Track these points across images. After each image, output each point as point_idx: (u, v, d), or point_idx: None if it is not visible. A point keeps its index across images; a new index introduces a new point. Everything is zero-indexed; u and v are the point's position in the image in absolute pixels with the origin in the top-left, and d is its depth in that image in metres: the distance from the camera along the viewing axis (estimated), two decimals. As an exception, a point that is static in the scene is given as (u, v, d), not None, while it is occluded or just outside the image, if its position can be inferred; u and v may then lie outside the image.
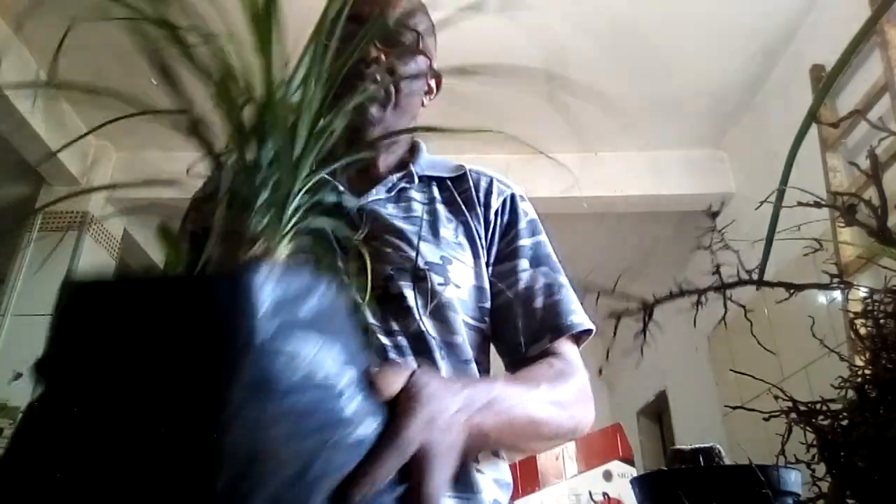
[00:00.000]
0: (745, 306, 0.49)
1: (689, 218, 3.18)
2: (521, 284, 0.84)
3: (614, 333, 0.49)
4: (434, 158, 0.95)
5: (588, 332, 0.82)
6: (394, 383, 0.45)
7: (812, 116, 0.46)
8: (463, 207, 0.88)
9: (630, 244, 3.55)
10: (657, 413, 4.15)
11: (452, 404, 0.49)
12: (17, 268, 2.80)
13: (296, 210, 0.42)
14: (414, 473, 0.43)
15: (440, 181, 0.91)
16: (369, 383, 0.42)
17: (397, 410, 0.44)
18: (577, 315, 0.82)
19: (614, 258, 3.53)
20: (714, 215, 0.49)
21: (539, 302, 0.83)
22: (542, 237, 0.90)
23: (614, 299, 0.74)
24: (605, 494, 1.96)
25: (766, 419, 0.51)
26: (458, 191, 0.90)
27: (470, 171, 0.93)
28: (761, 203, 0.49)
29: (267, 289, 0.36)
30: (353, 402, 0.40)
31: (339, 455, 0.38)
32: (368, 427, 0.40)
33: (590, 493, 1.96)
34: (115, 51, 2.30)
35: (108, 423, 0.34)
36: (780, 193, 0.42)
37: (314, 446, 0.36)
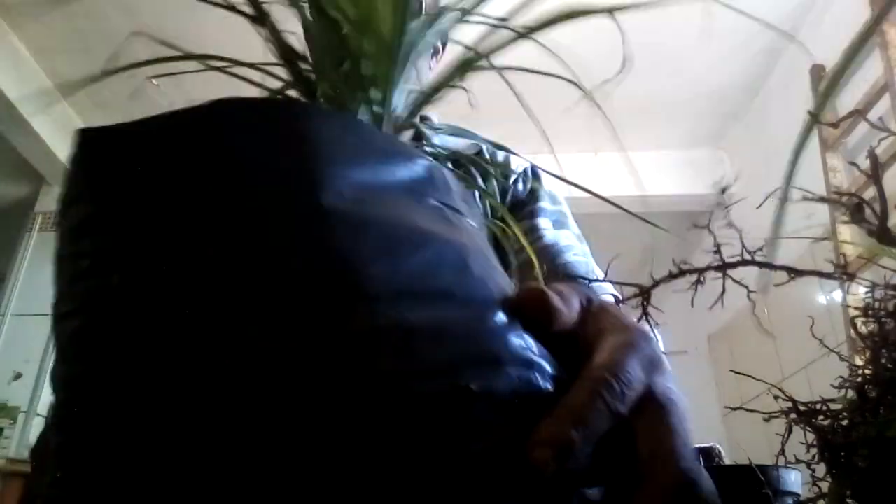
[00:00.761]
0: (748, 287, 0.47)
1: (689, 218, 3.18)
2: (545, 241, 0.83)
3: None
4: (446, 136, 0.94)
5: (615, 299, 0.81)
6: (573, 305, 0.28)
7: (815, 118, 0.46)
8: (479, 180, 0.87)
9: (630, 244, 3.55)
10: (657, 413, 4.15)
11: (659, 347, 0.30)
12: (17, 268, 2.81)
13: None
14: (648, 433, 0.25)
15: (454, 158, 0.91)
16: (527, 303, 0.26)
17: (598, 341, 0.27)
18: (602, 279, 0.82)
19: (614, 258, 3.52)
20: (723, 191, 0.48)
21: (564, 258, 0.81)
22: (564, 208, 0.89)
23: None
24: (605, 494, 1.95)
25: (766, 419, 0.51)
26: (473, 164, 0.90)
27: (486, 147, 0.93)
28: (762, 203, 0.49)
29: (343, 131, 0.24)
30: (507, 331, 0.24)
31: (497, 417, 0.22)
32: (538, 369, 0.24)
33: (590, 493, 1.95)
34: (116, 51, 2.29)
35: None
36: (784, 192, 0.41)
37: (443, 394, 0.21)
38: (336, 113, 0.29)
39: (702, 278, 0.44)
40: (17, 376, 2.55)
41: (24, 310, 2.71)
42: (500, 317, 0.24)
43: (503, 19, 0.37)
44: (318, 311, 0.21)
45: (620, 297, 0.79)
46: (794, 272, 0.45)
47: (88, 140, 0.27)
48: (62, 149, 2.74)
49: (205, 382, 0.21)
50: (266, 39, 0.35)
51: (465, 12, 0.37)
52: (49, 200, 2.94)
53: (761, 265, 0.43)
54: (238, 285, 0.21)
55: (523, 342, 0.24)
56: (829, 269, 0.48)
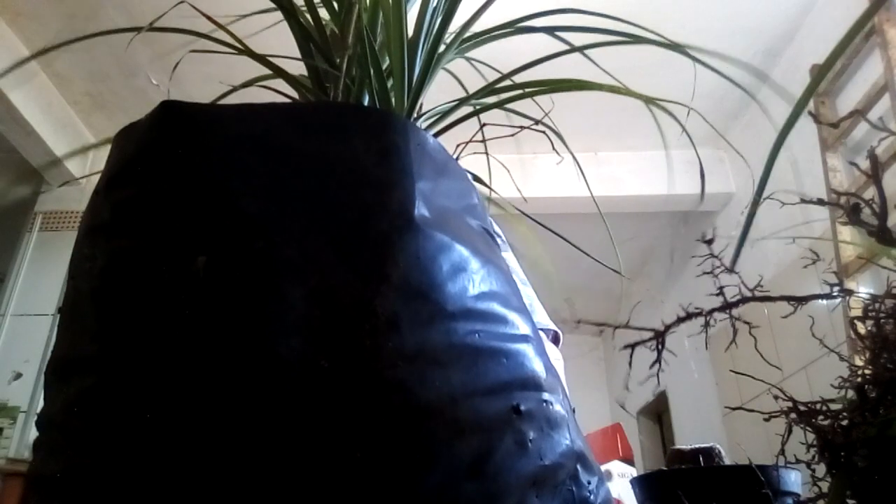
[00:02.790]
0: (750, 323, 0.49)
1: (689, 218, 3.18)
2: None
3: (630, 364, 0.49)
4: None
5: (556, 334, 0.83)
6: None
7: (806, 108, 0.46)
8: None
9: (630, 244, 3.55)
10: (657, 413, 4.15)
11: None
12: (17, 268, 2.80)
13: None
14: None
15: None
16: None
17: None
18: (542, 317, 0.83)
19: (614, 258, 3.52)
20: (709, 242, 0.49)
21: None
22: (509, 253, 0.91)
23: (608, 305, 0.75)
24: (605, 494, 1.95)
25: (766, 419, 0.51)
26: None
27: None
28: (764, 199, 0.49)
29: (417, 142, 0.24)
30: (545, 358, 0.25)
31: (540, 437, 0.22)
32: (565, 394, 0.25)
33: (590, 493, 1.95)
34: (115, 51, 2.30)
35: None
36: (760, 189, 0.42)
37: (500, 413, 0.21)
38: (408, 123, 0.30)
39: (709, 319, 0.46)
40: (17, 376, 2.55)
41: (24, 310, 2.70)
42: (539, 344, 0.25)
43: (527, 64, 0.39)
44: (402, 321, 0.21)
45: (559, 332, 0.81)
46: (797, 300, 0.45)
47: (179, 115, 0.26)
48: (62, 149, 2.74)
49: (287, 379, 0.22)
50: (295, 33, 0.37)
51: (486, 34, 0.39)
52: (49, 200, 2.94)
53: (763, 299, 0.44)
54: (326, 288, 0.22)
55: (554, 369, 0.25)
56: (829, 277, 0.48)
